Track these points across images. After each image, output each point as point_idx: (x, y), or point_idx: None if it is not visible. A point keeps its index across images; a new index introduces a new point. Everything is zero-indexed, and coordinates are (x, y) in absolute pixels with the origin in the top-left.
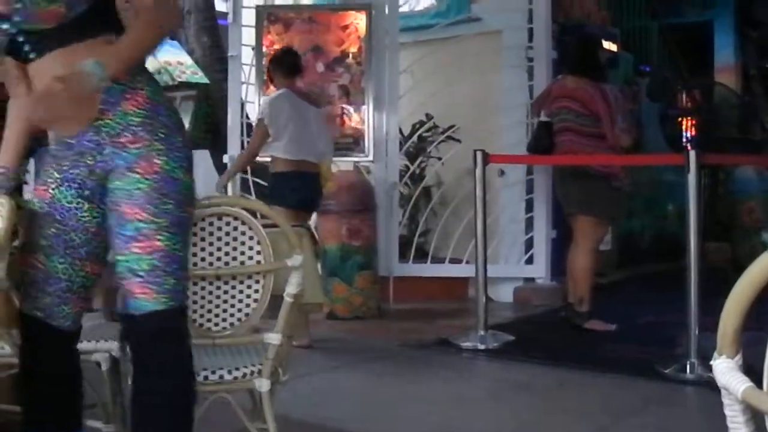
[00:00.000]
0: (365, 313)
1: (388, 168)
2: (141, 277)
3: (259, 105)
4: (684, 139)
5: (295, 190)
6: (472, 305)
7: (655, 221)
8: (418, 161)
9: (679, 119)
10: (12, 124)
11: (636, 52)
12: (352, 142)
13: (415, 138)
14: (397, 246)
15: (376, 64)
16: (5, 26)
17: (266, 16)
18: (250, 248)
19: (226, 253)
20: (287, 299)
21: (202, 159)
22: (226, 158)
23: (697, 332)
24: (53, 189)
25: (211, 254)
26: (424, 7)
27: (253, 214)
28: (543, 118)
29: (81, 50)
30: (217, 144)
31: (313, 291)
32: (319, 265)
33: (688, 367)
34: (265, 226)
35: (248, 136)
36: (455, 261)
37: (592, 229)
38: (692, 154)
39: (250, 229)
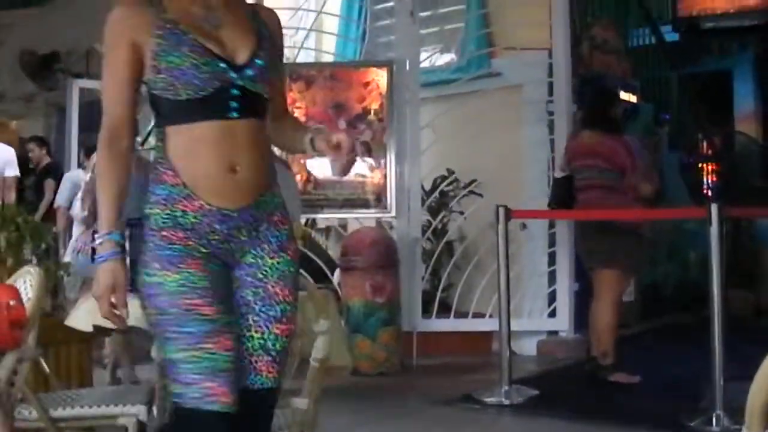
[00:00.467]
0: (389, 368)
1: (411, 223)
2: (272, 356)
3: None
4: (705, 188)
5: None
6: (495, 359)
7: (678, 270)
8: (440, 216)
9: (700, 167)
10: (106, 188)
11: (656, 102)
12: (375, 198)
13: (436, 193)
14: (420, 301)
15: (398, 119)
16: (233, 75)
17: (288, 73)
18: None
19: None
20: (313, 364)
21: None
22: None
23: (722, 384)
24: (204, 265)
25: None
26: (444, 62)
27: None
28: (562, 173)
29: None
30: None
31: (339, 353)
32: (342, 323)
33: (714, 419)
34: None
35: None
36: (478, 315)
37: (616, 283)
38: (714, 207)
39: None
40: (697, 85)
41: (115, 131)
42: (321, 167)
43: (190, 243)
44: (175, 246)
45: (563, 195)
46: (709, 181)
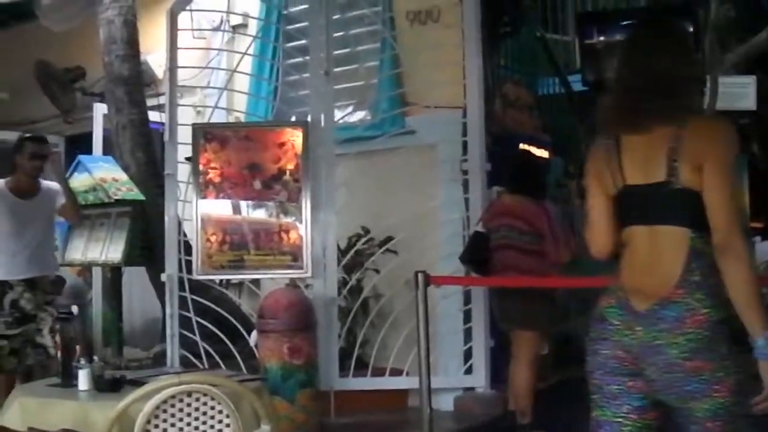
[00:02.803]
0: (308, 430)
1: (327, 283)
2: None
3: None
4: None
5: None
6: (412, 416)
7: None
8: (356, 274)
9: None
10: None
11: (566, 155)
12: (291, 259)
13: (352, 252)
14: (337, 360)
15: (313, 179)
16: None
17: (203, 134)
18: (220, 422)
19: (196, 428)
20: None
21: (137, 276)
22: (163, 276)
23: None
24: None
25: (181, 430)
26: (358, 119)
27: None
28: (479, 228)
29: None
30: (153, 261)
31: None
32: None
33: None
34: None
35: (187, 254)
36: (395, 372)
37: (532, 344)
38: None
39: (219, 404)
40: None
41: None
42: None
43: None
44: None
45: (478, 251)
46: None
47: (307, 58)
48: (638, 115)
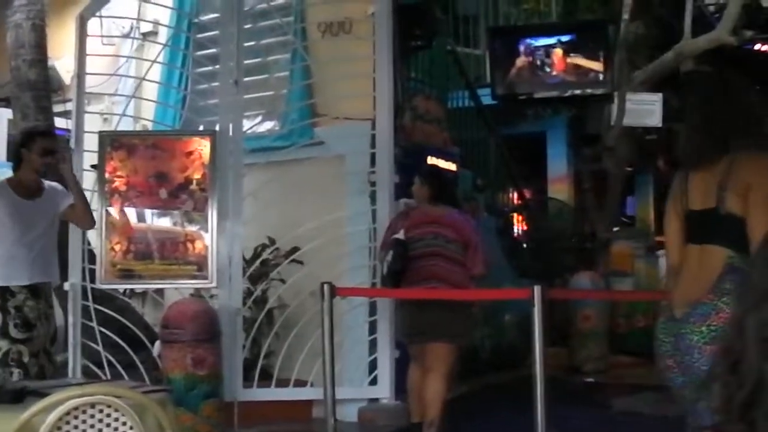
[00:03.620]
0: None
1: (232, 293)
2: None
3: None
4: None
5: None
6: (316, 427)
7: (495, 332)
8: (261, 284)
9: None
10: None
11: (475, 168)
12: (196, 269)
13: (258, 262)
14: (242, 371)
15: (221, 189)
16: None
17: (109, 141)
18: None
19: None
20: None
21: None
22: (66, 285)
23: None
24: None
25: None
26: (267, 129)
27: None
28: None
29: None
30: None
31: None
32: None
33: None
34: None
35: (91, 263)
36: (300, 383)
37: (450, 355)
38: (537, 289)
39: (123, 416)
40: (513, 148)
41: None
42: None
43: None
44: None
45: (400, 259)
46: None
47: (217, 67)
48: (698, 154)
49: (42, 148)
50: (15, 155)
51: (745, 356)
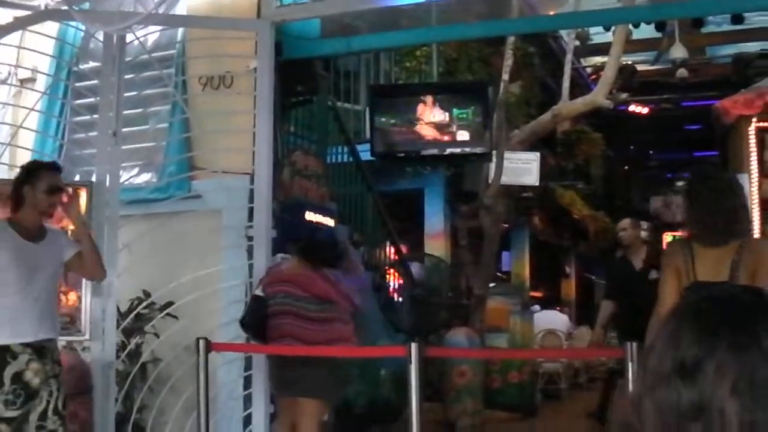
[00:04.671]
0: None
1: (105, 346)
2: None
3: None
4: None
5: None
6: None
7: (370, 387)
8: (135, 338)
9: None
10: None
11: (353, 223)
12: (69, 321)
13: (132, 315)
14: (114, 425)
15: (96, 240)
16: None
17: None
18: None
19: None
20: None
21: None
22: None
23: None
24: None
25: None
26: (144, 181)
27: None
28: (258, 292)
29: None
30: None
31: None
32: None
33: None
34: None
35: None
36: None
37: (317, 411)
38: (414, 347)
39: None
40: (391, 204)
41: None
42: None
43: None
44: None
45: (256, 315)
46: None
47: (96, 116)
48: (716, 235)
49: (48, 185)
50: (16, 193)
51: None
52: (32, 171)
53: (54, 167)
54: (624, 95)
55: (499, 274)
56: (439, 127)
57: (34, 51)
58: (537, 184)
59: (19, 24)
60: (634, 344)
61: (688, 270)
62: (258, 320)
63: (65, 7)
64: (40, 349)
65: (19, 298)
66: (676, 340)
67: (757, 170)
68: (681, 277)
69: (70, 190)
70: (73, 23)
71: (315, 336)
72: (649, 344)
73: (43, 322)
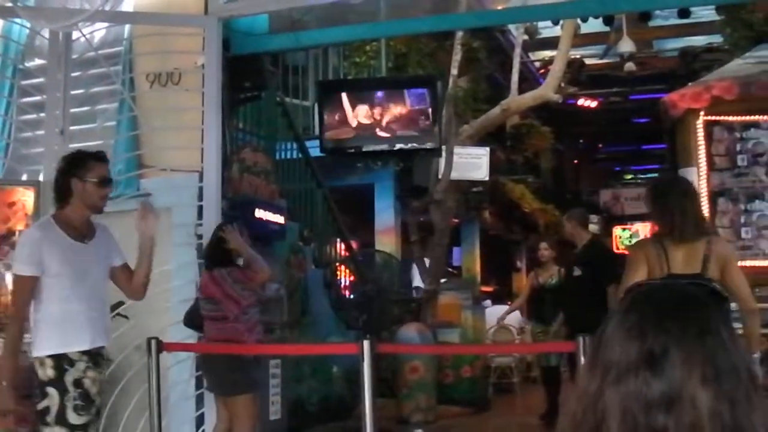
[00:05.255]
0: None
1: None
2: None
3: None
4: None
5: None
6: None
7: (322, 385)
8: None
9: (342, 288)
10: None
11: (303, 219)
12: None
13: None
14: None
15: None
16: None
17: None
18: None
19: None
20: None
21: None
22: None
23: None
24: None
25: None
26: None
27: None
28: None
29: None
30: None
31: None
32: None
33: None
34: None
35: None
36: None
37: (249, 406)
38: (366, 344)
39: None
40: (340, 200)
41: None
42: None
43: None
44: None
45: (195, 315)
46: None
47: (42, 115)
48: (688, 232)
49: (99, 176)
50: (62, 187)
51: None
52: (79, 161)
53: (102, 157)
54: (573, 89)
55: (449, 269)
56: (389, 122)
57: None
58: (487, 178)
59: None
60: (587, 338)
61: (662, 263)
62: (193, 319)
63: (9, 4)
64: (96, 357)
65: (71, 304)
66: (640, 330)
67: (705, 164)
68: (654, 269)
69: (151, 203)
70: (18, 20)
71: (215, 335)
72: (605, 337)
73: (97, 327)
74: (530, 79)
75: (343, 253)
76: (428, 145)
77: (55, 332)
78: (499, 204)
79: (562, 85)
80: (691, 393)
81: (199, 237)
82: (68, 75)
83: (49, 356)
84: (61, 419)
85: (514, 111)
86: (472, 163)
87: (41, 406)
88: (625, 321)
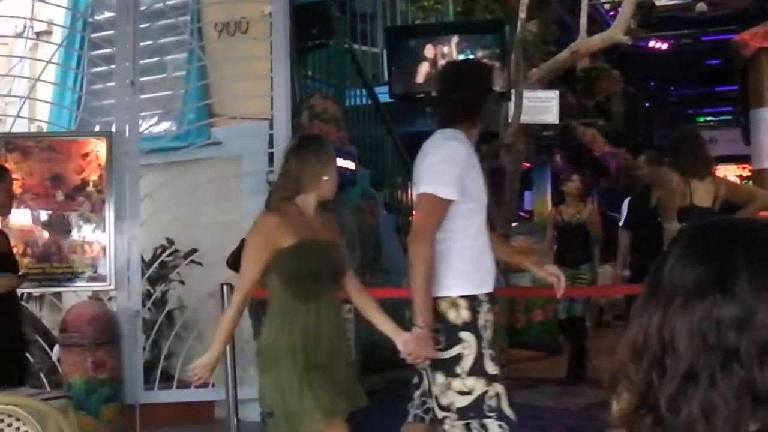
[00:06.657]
0: None
1: (131, 296)
2: None
3: None
4: None
5: None
6: (219, 428)
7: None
8: (160, 286)
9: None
10: None
11: (373, 166)
12: (94, 271)
13: (157, 263)
14: (142, 373)
15: (117, 190)
16: None
17: (3, 144)
18: None
19: None
20: None
21: None
22: None
23: None
24: None
25: None
26: (164, 129)
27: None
28: None
29: None
30: None
31: None
32: None
33: None
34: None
35: None
36: (201, 384)
37: None
38: None
39: (25, 425)
40: (411, 146)
41: None
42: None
43: None
44: None
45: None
46: None
47: (113, 67)
48: (702, 172)
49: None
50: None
51: (673, 353)
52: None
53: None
54: (643, 31)
55: (521, 213)
56: None
57: (49, 3)
58: (557, 121)
59: None
60: None
61: (686, 194)
62: (236, 261)
63: None
64: (493, 301)
65: (482, 240)
66: (707, 255)
67: None
68: (683, 200)
69: None
70: None
71: None
72: (667, 265)
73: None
74: (600, 21)
75: (414, 199)
76: (497, 89)
77: (471, 270)
78: (570, 148)
79: (632, 26)
80: (763, 315)
81: (270, 184)
82: (137, 27)
83: (462, 296)
84: (478, 369)
85: (583, 54)
86: (542, 106)
87: (451, 353)
88: (690, 248)
